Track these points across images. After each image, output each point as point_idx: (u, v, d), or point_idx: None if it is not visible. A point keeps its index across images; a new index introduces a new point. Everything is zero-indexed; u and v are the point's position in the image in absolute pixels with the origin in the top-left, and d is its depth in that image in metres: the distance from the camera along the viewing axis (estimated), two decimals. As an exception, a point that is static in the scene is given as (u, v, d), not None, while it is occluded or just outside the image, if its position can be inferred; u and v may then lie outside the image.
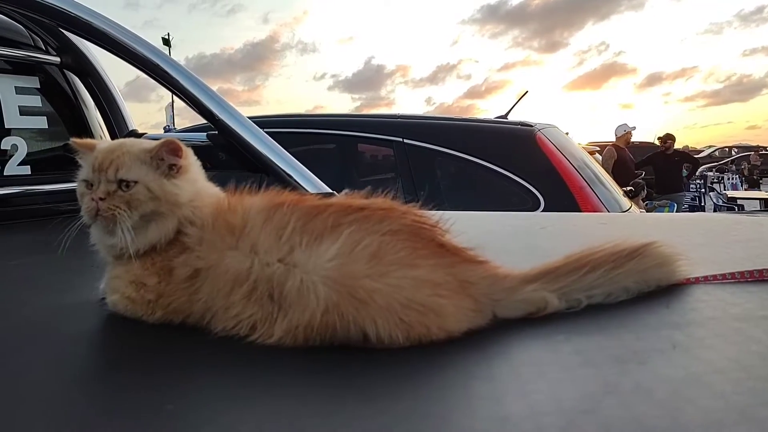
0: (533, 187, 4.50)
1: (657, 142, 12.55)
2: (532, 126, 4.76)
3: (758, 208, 13.15)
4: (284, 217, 1.07)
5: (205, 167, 1.78)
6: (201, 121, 2.77)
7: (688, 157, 12.47)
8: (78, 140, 1.17)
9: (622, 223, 2.12)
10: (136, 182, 1.12)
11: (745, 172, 23.45)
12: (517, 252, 1.58)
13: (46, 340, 1.08)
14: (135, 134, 2.76)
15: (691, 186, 14.96)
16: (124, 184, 1.11)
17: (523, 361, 0.87)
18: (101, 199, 1.09)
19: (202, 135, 2.69)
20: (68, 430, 0.71)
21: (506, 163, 4.58)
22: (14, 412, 0.76)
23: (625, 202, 4.96)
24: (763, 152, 28.12)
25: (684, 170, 11.86)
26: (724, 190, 17.51)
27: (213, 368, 0.92)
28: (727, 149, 30.89)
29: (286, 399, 0.78)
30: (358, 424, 0.69)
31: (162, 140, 1.15)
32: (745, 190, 20.67)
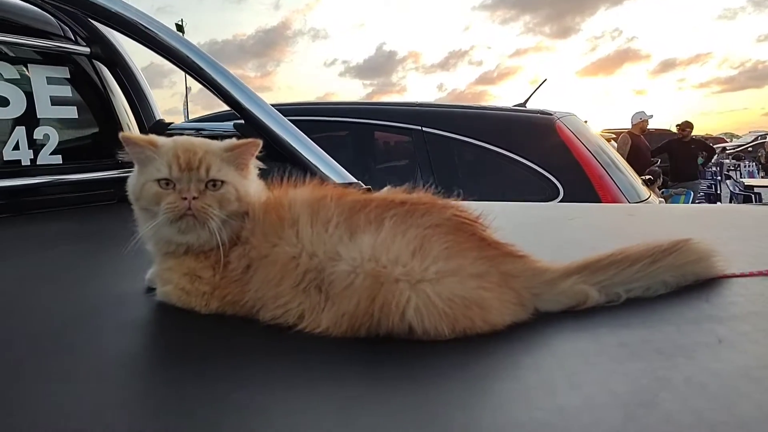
0: (552, 175, 4.49)
1: (675, 130, 12.42)
2: (551, 114, 4.74)
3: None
4: (329, 211, 1.10)
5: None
6: (215, 108, 2.80)
7: (704, 145, 12.35)
8: (133, 136, 1.18)
9: (649, 214, 2.13)
10: (224, 182, 1.14)
11: (762, 160, 23.16)
12: (548, 244, 1.59)
13: (101, 329, 1.12)
14: (162, 124, 2.80)
15: (707, 174, 14.82)
16: (211, 183, 1.14)
17: (567, 352, 0.89)
18: (194, 198, 1.12)
19: (229, 125, 2.72)
20: (148, 418, 0.75)
21: (525, 151, 4.57)
22: (81, 403, 0.79)
23: (644, 191, 4.95)
24: (780, 139, 27.77)
25: (700, 158, 11.77)
26: (741, 177, 17.36)
27: (268, 357, 0.95)
28: (760, 136, 30.22)
29: (342, 387, 0.81)
30: (413, 413, 0.71)
31: (246, 142, 1.18)
32: (762, 177, 20.46)
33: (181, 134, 2.87)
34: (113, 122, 2.72)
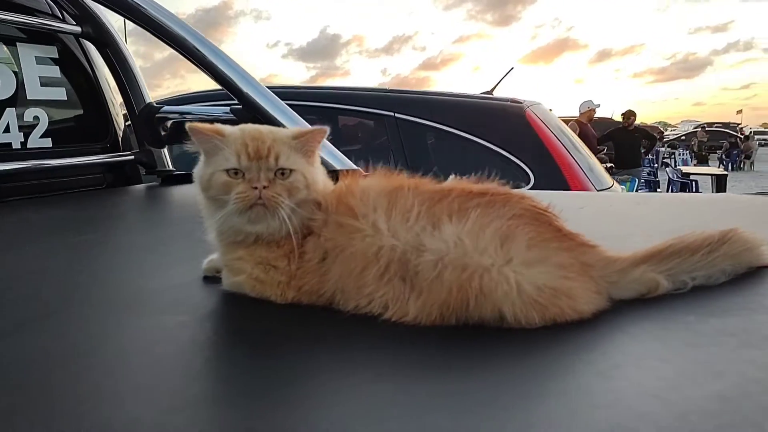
0: (523, 162, 4.58)
1: (616, 118, 12.81)
2: (521, 103, 4.83)
3: (710, 184, 13.67)
4: (407, 201, 1.10)
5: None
6: (151, 89, 2.76)
7: (647, 133, 12.81)
8: (200, 126, 1.15)
9: (657, 204, 2.20)
10: (292, 170, 1.13)
11: (695, 148, 24.25)
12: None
13: (170, 320, 1.09)
14: (152, 107, 2.71)
15: (645, 161, 15.37)
16: (280, 172, 1.12)
17: (676, 342, 0.91)
18: (264, 187, 1.10)
19: (225, 109, 2.67)
20: (238, 409, 0.74)
21: (497, 139, 4.64)
22: (174, 397, 0.79)
23: (608, 179, 5.11)
24: (710, 129, 29.16)
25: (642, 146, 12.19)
26: (676, 165, 18.10)
27: (364, 347, 0.95)
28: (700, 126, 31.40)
29: (446, 379, 0.82)
30: (567, 403, 0.73)
31: (313, 129, 1.17)
32: (695, 165, 21.38)
33: (168, 117, 2.80)
34: (102, 105, 2.62)
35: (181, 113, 2.77)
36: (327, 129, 1.18)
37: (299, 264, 1.13)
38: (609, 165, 6.87)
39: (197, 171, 1.18)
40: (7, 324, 1.09)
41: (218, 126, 1.18)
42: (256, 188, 1.10)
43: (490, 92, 5.69)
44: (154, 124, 2.66)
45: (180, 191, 2.67)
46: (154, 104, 2.73)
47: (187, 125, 1.14)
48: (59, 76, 2.48)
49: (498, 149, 4.63)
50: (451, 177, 1.25)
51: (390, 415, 0.71)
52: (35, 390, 0.80)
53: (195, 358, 0.93)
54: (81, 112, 2.58)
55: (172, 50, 2.36)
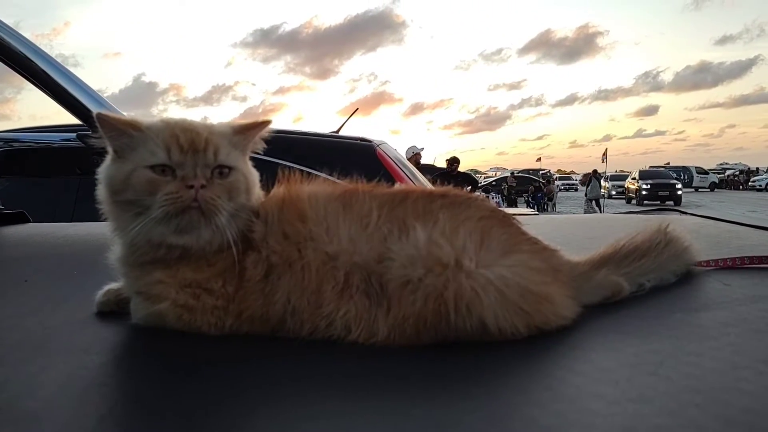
0: (375, 199, 4.57)
1: (445, 165, 13.46)
2: (371, 141, 4.85)
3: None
4: (364, 205, 0.97)
5: (74, 173, 1.56)
6: None
7: (469, 177, 13.61)
8: (111, 116, 0.94)
9: (558, 222, 2.25)
10: (232, 169, 0.94)
11: (505, 192, 26.23)
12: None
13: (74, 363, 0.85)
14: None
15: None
16: (218, 170, 0.92)
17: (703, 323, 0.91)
18: (202, 186, 0.89)
19: (62, 136, 2.35)
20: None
21: (349, 176, 4.59)
22: None
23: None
24: (518, 175, 31.96)
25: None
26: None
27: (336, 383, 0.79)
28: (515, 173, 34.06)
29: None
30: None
31: (258, 122, 1.00)
32: (505, 207, 23.09)
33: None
34: None
35: (9, 141, 2.38)
36: (271, 121, 1.02)
37: (238, 284, 0.94)
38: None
39: (105, 171, 0.96)
40: None
41: (133, 117, 0.97)
42: (191, 187, 0.89)
43: (337, 131, 5.67)
44: (-23, 154, 2.25)
45: (10, 233, 2.26)
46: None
47: (95, 113, 0.93)
48: None
49: (349, 186, 4.57)
50: (397, 184, 1.14)
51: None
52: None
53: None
54: None
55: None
